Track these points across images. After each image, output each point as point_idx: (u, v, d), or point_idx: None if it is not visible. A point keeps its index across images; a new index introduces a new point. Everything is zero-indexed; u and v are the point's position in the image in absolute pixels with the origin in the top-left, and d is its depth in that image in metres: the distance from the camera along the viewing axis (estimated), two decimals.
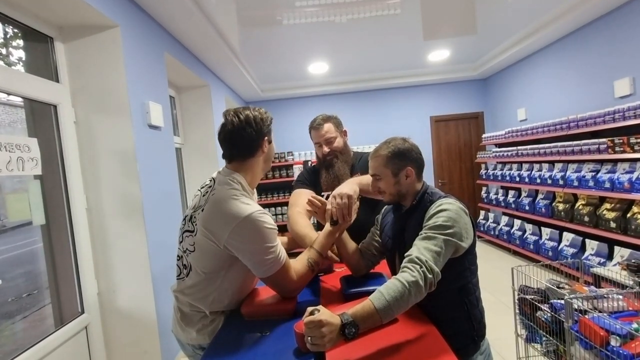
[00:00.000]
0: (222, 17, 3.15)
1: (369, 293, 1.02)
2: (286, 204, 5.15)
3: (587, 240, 3.46)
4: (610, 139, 3.17)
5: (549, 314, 1.75)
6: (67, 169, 2.09)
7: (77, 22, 2.11)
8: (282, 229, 4.92)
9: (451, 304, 1.17)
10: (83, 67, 2.18)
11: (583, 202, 3.60)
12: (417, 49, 4.72)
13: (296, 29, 3.61)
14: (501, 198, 5.12)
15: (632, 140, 2.95)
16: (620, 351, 1.34)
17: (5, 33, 1.98)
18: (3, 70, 1.78)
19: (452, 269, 1.12)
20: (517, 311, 2.03)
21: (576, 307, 1.57)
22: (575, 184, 3.57)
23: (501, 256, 4.84)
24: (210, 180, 1.27)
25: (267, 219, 1.16)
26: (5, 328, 2.07)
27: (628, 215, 3.02)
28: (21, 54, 2.06)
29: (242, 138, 1.22)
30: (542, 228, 4.20)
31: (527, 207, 4.46)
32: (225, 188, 1.18)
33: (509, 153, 4.86)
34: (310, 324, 0.88)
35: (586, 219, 3.46)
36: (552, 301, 1.75)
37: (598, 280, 2.22)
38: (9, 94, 1.80)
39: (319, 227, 1.71)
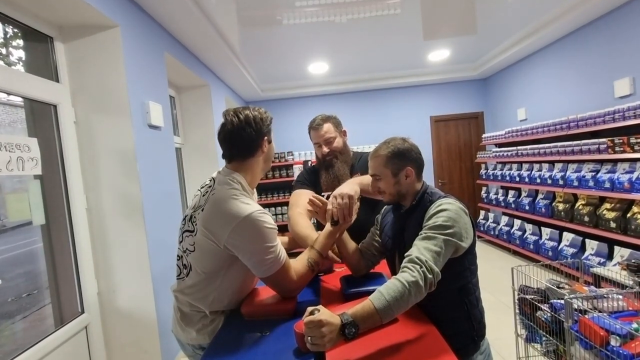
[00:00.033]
0: (222, 17, 3.15)
1: (369, 293, 1.02)
2: (286, 204, 5.15)
3: (587, 240, 3.46)
4: (610, 139, 3.17)
5: (549, 314, 1.75)
6: (67, 168, 2.09)
7: (77, 22, 2.11)
8: (282, 229, 4.92)
9: (451, 304, 1.17)
10: (83, 67, 2.18)
11: (583, 202, 3.60)
12: (417, 49, 4.71)
13: (296, 29, 3.61)
14: (501, 198, 5.12)
15: (632, 140, 2.95)
16: (620, 351, 1.34)
17: (5, 33, 1.98)
18: (3, 70, 1.78)
19: (452, 268, 1.12)
20: (517, 311, 2.03)
21: (576, 307, 1.57)
22: (575, 184, 3.57)
23: (501, 256, 4.84)
24: (210, 180, 1.27)
25: (267, 218, 1.16)
26: (5, 328, 2.07)
27: (628, 215, 3.02)
28: (21, 53, 2.06)
29: (242, 138, 1.22)
30: (542, 228, 4.20)
31: (527, 207, 4.46)
32: (225, 188, 1.18)
33: (509, 153, 4.86)
34: (310, 323, 0.88)
35: (586, 219, 3.46)
36: (552, 301, 1.75)
37: (598, 280, 2.22)
38: (9, 93, 1.80)
39: (319, 227, 1.71)
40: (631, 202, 3.05)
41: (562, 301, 1.62)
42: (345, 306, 1.09)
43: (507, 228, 4.89)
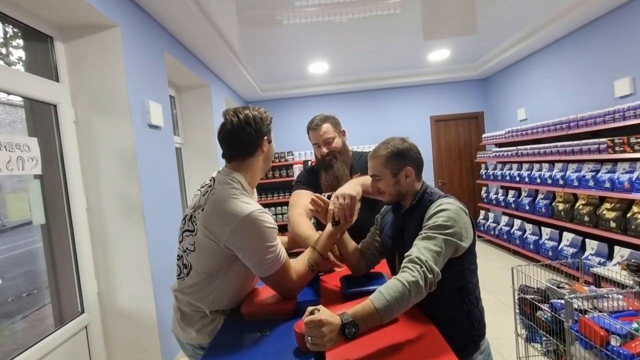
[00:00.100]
0: (222, 17, 3.15)
1: (369, 293, 1.02)
2: (286, 203, 5.15)
3: (587, 240, 3.46)
4: (610, 138, 3.17)
5: (549, 314, 1.75)
6: (67, 168, 2.09)
7: (77, 21, 2.11)
8: (282, 229, 4.92)
9: (451, 303, 1.17)
10: (83, 66, 2.18)
11: (583, 202, 3.60)
12: (417, 49, 4.71)
13: (296, 28, 3.61)
14: (501, 198, 5.12)
15: (632, 140, 2.95)
16: (621, 351, 1.34)
17: (5, 32, 1.98)
18: (3, 69, 1.78)
19: (452, 268, 1.11)
20: (517, 311, 2.03)
21: (576, 306, 1.57)
22: (575, 183, 3.57)
23: (501, 256, 4.84)
24: (210, 180, 1.27)
25: (267, 218, 1.15)
26: (5, 328, 2.07)
27: (628, 215, 3.02)
28: (21, 53, 2.06)
29: (242, 138, 1.22)
30: (542, 228, 4.20)
31: (527, 207, 4.46)
32: (225, 187, 1.18)
33: (509, 153, 4.85)
34: (310, 323, 0.88)
35: (586, 218, 3.46)
36: (552, 301, 1.75)
37: (598, 280, 2.22)
38: (9, 93, 1.80)
39: (319, 227, 1.71)
40: (631, 202, 3.05)
41: (562, 301, 1.62)
42: (345, 306, 1.09)
43: (507, 228, 4.89)
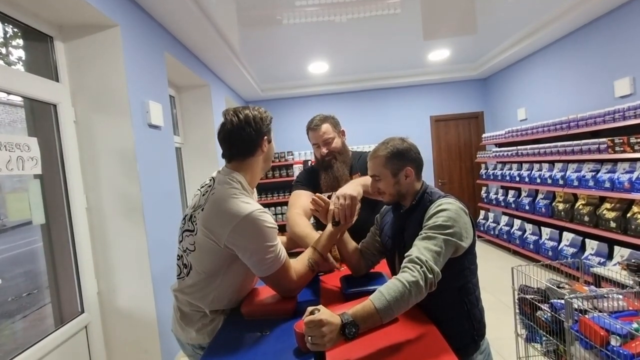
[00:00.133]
0: (222, 17, 3.15)
1: (369, 293, 1.02)
2: (286, 203, 5.13)
3: (587, 240, 3.46)
4: (610, 138, 3.17)
5: (549, 314, 1.75)
6: (67, 168, 2.09)
7: (77, 21, 2.11)
8: (282, 229, 4.92)
9: (451, 303, 1.17)
10: (83, 66, 2.18)
11: (583, 202, 3.60)
12: (417, 49, 4.71)
13: (296, 28, 3.61)
14: (501, 198, 5.12)
15: (632, 140, 2.95)
16: (621, 351, 1.34)
17: (5, 32, 1.98)
18: (3, 69, 1.78)
19: (452, 268, 1.11)
20: (517, 311, 2.03)
21: (576, 306, 1.57)
22: (575, 183, 3.57)
23: (501, 256, 4.84)
24: (210, 180, 1.27)
25: (267, 217, 1.15)
26: (5, 327, 2.07)
27: (628, 215, 3.02)
28: (21, 53, 2.06)
29: (242, 137, 1.22)
30: (542, 228, 4.20)
31: (527, 207, 4.46)
32: (225, 187, 1.18)
33: (509, 153, 4.85)
34: (310, 323, 0.88)
35: (586, 218, 3.46)
36: (552, 301, 1.75)
37: (598, 280, 2.22)
38: (9, 93, 1.80)
39: (318, 226, 1.71)
40: (631, 202, 3.05)
41: (562, 301, 1.62)
42: (345, 306, 1.09)
43: (507, 228, 4.89)
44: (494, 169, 5.33)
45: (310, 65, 4.93)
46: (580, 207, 3.59)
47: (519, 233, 4.57)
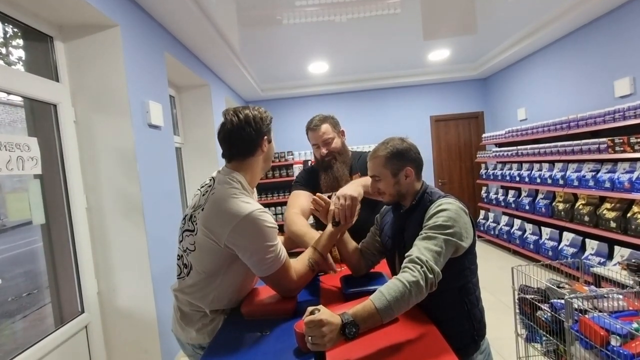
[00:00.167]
0: (222, 17, 3.15)
1: (369, 293, 1.02)
2: (286, 203, 5.12)
3: (587, 240, 3.46)
4: (610, 138, 3.17)
5: (549, 314, 1.75)
6: (67, 168, 2.09)
7: (77, 21, 2.11)
8: (282, 229, 4.91)
9: (451, 303, 1.17)
10: (83, 66, 2.18)
11: (583, 202, 3.60)
12: (417, 48, 4.71)
13: (296, 28, 3.61)
14: (501, 198, 5.12)
15: (632, 139, 2.95)
16: (621, 351, 1.34)
17: (5, 32, 1.98)
18: (3, 69, 1.78)
19: (452, 268, 1.11)
20: (517, 311, 2.03)
21: (576, 306, 1.57)
22: (575, 183, 3.57)
23: (501, 256, 4.84)
24: (210, 180, 1.27)
25: (268, 217, 1.15)
26: (6, 327, 2.07)
27: (628, 215, 3.02)
28: (21, 53, 2.06)
29: (242, 137, 1.22)
30: (542, 228, 4.20)
31: (527, 207, 4.46)
32: (225, 187, 1.18)
33: (509, 153, 4.85)
34: (310, 323, 0.87)
35: (586, 218, 3.46)
36: (552, 301, 1.75)
37: (598, 280, 2.23)
38: (9, 93, 1.80)
39: (319, 227, 1.71)
40: (631, 202, 3.05)
41: (562, 301, 1.61)
42: (345, 306, 1.09)
43: (507, 228, 4.89)
44: (494, 169, 5.33)
45: (310, 65, 4.93)
46: (581, 207, 3.59)
47: (519, 233, 4.57)
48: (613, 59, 3.55)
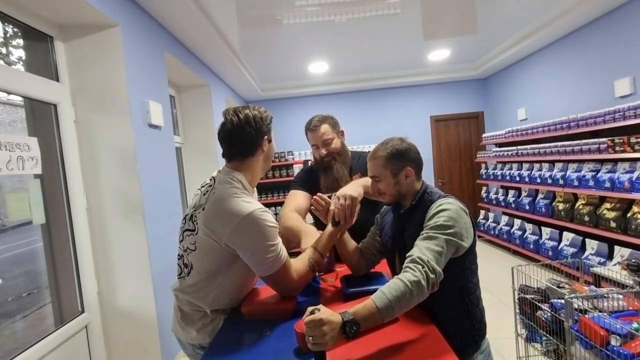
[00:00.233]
0: (222, 17, 3.15)
1: (369, 293, 1.02)
2: None
3: (587, 240, 3.46)
4: (610, 138, 3.17)
5: (549, 314, 1.75)
6: (67, 168, 2.09)
7: (77, 21, 2.11)
8: None
9: (452, 303, 1.17)
10: (83, 66, 2.18)
11: (583, 202, 3.60)
12: (417, 48, 4.71)
13: (296, 28, 3.61)
14: (501, 198, 5.12)
15: (632, 139, 2.95)
16: (621, 351, 1.34)
17: (5, 32, 1.98)
18: (3, 69, 1.78)
19: (453, 268, 1.11)
20: (517, 311, 2.03)
21: (576, 306, 1.57)
22: (575, 183, 3.57)
23: (501, 256, 4.84)
24: (211, 179, 1.27)
25: (268, 217, 1.15)
26: (6, 327, 2.07)
27: (628, 215, 3.02)
28: (21, 53, 2.06)
29: (242, 137, 1.22)
30: (542, 228, 4.20)
31: (527, 207, 4.46)
32: (225, 187, 1.18)
33: (509, 153, 4.85)
34: (310, 323, 0.87)
35: (586, 218, 3.46)
36: (552, 301, 1.75)
37: (598, 280, 2.23)
38: (9, 93, 1.80)
39: (319, 227, 1.71)
40: (631, 202, 3.05)
41: (562, 301, 1.61)
42: (345, 306, 1.09)
43: (507, 228, 4.89)
44: (494, 168, 5.33)
45: (310, 65, 4.93)
46: (580, 207, 3.59)
47: (519, 233, 4.57)
48: (613, 59, 3.55)
